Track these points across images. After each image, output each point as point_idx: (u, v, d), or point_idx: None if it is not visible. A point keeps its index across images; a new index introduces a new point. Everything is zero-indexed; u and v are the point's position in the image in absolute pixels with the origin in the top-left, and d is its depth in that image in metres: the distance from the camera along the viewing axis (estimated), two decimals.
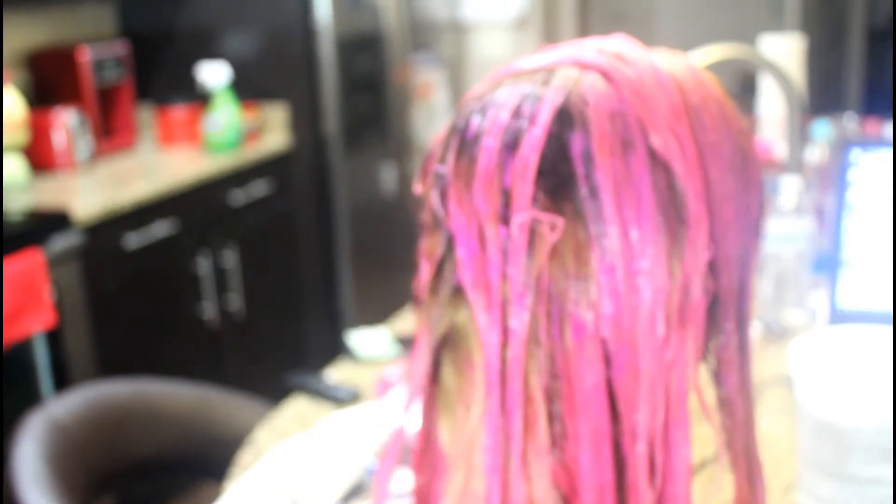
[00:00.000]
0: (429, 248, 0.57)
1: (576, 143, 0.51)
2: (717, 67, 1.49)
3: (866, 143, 1.37)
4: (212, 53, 3.00)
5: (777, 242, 1.42)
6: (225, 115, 2.83)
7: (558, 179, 0.51)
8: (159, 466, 1.52)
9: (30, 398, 2.10)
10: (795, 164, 1.58)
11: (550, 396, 0.52)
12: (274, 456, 1.15)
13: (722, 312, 0.56)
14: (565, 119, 0.52)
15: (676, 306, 0.52)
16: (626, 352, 0.51)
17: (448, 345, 0.56)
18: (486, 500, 0.52)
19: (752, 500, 0.59)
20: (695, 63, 0.58)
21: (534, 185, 0.51)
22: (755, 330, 1.42)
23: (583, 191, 0.51)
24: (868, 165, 1.35)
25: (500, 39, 3.78)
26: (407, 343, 1.47)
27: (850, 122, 2.06)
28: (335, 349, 3.03)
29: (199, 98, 2.91)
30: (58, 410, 1.41)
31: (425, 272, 0.56)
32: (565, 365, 0.52)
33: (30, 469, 1.30)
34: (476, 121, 0.54)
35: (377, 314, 2.82)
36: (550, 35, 3.84)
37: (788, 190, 1.45)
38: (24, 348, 2.13)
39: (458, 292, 0.54)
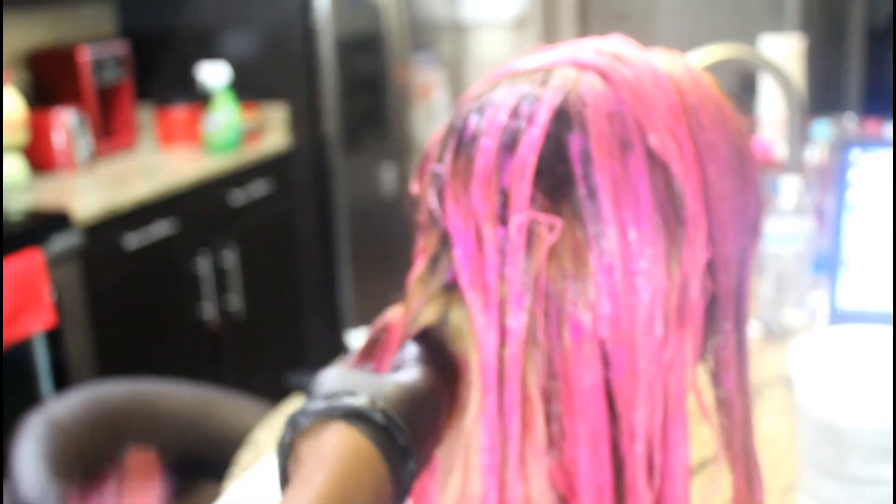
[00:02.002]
0: (425, 248, 0.57)
1: (574, 144, 0.51)
2: (717, 67, 1.49)
3: (866, 143, 1.37)
4: (212, 53, 3.00)
5: (777, 242, 1.42)
6: (225, 115, 2.83)
7: (556, 180, 0.51)
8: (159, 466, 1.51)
9: (30, 398, 2.10)
10: (795, 164, 1.58)
11: (548, 397, 0.52)
12: (274, 456, 1.15)
13: (720, 312, 0.56)
14: (563, 119, 0.52)
15: (675, 306, 0.52)
16: (624, 352, 0.51)
17: (430, 340, 0.56)
18: (482, 500, 0.52)
19: (751, 499, 0.59)
20: (692, 63, 0.58)
21: (532, 185, 0.51)
22: (755, 330, 1.42)
23: (581, 191, 0.51)
24: (868, 165, 1.35)
25: (499, 39, 3.78)
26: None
27: (850, 122, 2.06)
28: (335, 349, 3.03)
29: (199, 98, 2.91)
30: (58, 410, 1.41)
31: (418, 266, 0.57)
32: (563, 365, 0.52)
33: (30, 469, 1.30)
34: (474, 121, 0.54)
35: (377, 314, 2.81)
36: (550, 35, 3.83)
37: (788, 190, 1.45)
38: (24, 348, 2.13)
39: (450, 290, 0.54)
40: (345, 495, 0.47)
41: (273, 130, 3.03)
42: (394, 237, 3.25)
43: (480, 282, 0.52)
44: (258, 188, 2.90)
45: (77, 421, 1.41)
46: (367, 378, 0.52)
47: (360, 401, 0.50)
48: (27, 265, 2.08)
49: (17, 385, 2.13)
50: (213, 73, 2.82)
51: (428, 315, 0.55)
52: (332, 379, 0.52)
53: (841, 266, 1.38)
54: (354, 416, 0.49)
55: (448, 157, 0.55)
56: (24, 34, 2.78)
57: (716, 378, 0.58)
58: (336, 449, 0.48)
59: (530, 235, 0.51)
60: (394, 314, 0.60)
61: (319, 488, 0.46)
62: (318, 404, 0.50)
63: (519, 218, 0.51)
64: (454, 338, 0.55)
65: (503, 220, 0.52)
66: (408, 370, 0.54)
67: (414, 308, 0.56)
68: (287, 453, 0.50)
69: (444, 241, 0.55)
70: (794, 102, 1.57)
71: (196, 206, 2.65)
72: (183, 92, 2.98)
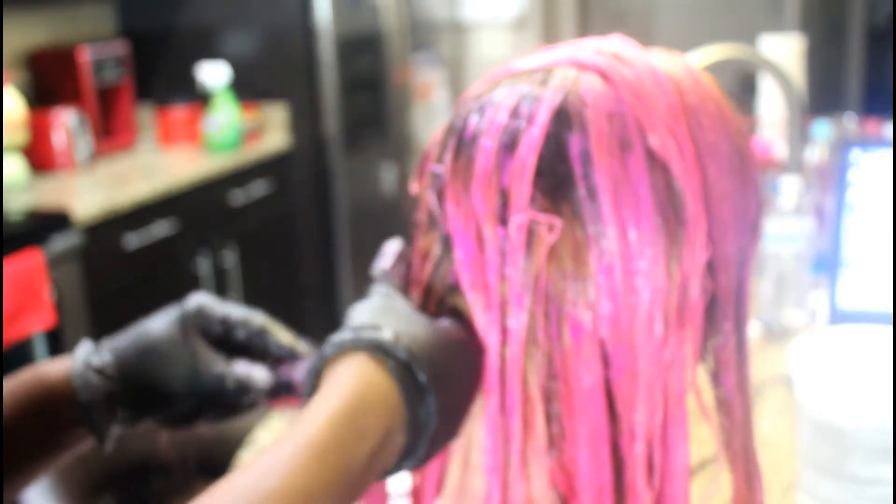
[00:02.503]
0: (424, 248, 0.57)
1: (574, 144, 0.51)
2: (717, 67, 1.49)
3: (866, 143, 1.37)
4: (212, 53, 3.00)
5: (777, 242, 1.42)
6: (225, 115, 2.83)
7: (556, 180, 0.51)
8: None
9: None
10: (795, 164, 1.58)
11: (548, 397, 0.52)
12: None
13: (720, 312, 0.56)
14: (563, 119, 0.52)
15: (674, 306, 0.52)
16: (624, 352, 0.51)
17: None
18: (486, 499, 0.52)
19: (751, 499, 0.59)
20: (692, 63, 0.58)
21: (532, 185, 0.51)
22: (755, 330, 1.42)
23: (581, 191, 0.51)
24: (868, 165, 1.35)
25: (499, 39, 3.78)
26: None
27: (850, 122, 2.05)
28: None
29: (199, 98, 2.91)
30: None
31: (421, 269, 0.57)
32: (563, 365, 0.52)
33: None
34: (474, 121, 0.54)
35: None
36: (550, 35, 3.83)
37: (788, 190, 1.45)
38: (24, 348, 2.13)
39: (453, 291, 0.54)
40: (354, 421, 0.47)
41: (273, 130, 3.03)
42: (394, 237, 3.25)
43: (482, 282, 0.52)
44: (258, 188, 2.90)
45: None
46: (401, 314, 0.52)
47: (383, 335, 0.50)
48: (27, 265, 2.08)
49: None
50: (213, 73, 2.82)
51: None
52: (366, 311, 0.53)
53: (841, 266, 1.38)
54: (376, 349, 0.50)
55: (448, 157, 0.55)
56: (24, 34, 2.78)
57: (716, 378, 0.58)
58: (352, 378, 0.49)
59: (530, 235, 0.51)
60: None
61: (330, 412, 0.47)
62: (345, 335, 0.51)
63: (519, 218, 0.51)
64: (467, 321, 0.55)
65: (503, 220, 0.52)
66: (443, 320, 0.54)
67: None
68: (314, 382, 0.51)
69: (446, 243, 0.55)
70: (794, 102, 1.57)
71: (196, 206, 2.65)
72: (183, 92, 2.98)
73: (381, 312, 0.52)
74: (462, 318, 0.54)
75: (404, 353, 0.50)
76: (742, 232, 0.56)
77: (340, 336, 0.51)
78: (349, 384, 0.48)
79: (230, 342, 0.67)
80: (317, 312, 3.13)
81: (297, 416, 0.48)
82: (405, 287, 0.55)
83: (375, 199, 3.27)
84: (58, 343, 2.20)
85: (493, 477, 0.52)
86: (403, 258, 0.56)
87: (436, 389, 0.50)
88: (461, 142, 0.54)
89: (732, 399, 0.57)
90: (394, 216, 3.32)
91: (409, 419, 0.49)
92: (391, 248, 0.56)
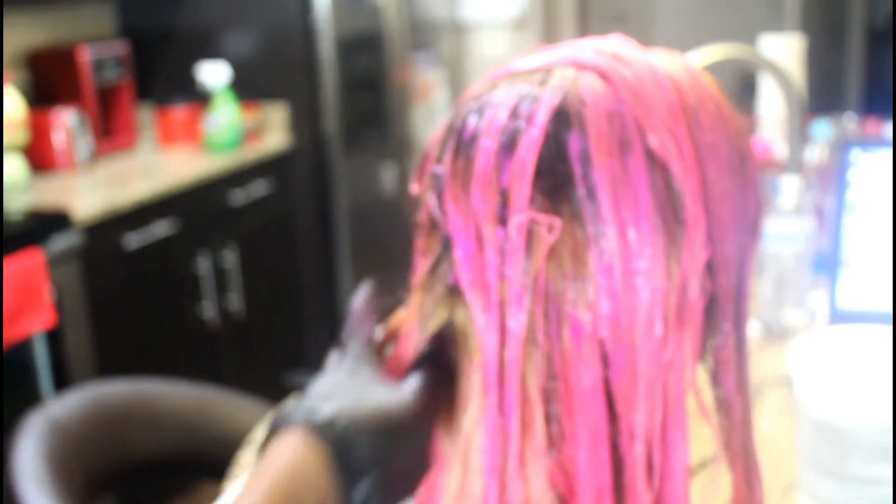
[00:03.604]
0: (425, 248, 0.57)
1: (573, 144, 0.51)
2: (717, 67, 1.49)
3: (866, 143, 1.37)
4: (212, 53, 3.00)
5: (777, 242, 1.42)
6: (225, 115, 2.83)
7: (556, 180, 0.51)
8: (159, 466, 1.51)
9: (30, 398, 2.10)
10: (795, 164, 1.58)
11: (548, 397, 0.52)
12: None
13: (720, 312, 0.56)
14: (562, 119, 0.52)
15: (674, 306, 0.52)
16: (623, 352, 0.51)
17: (440, 344, 0.56)
18: (483, 500, 0.52)
19: (751, 499, 0.59)
20: (692, 63, 0.58)
21: (531, 185, 0.51)
22: (755, 330, 1.42)
23: (580, 191, 0.51)
24: (868, 165, 1.35)
25: (499, 39, 3.78)
26: None
27: (850, 122, 2.05)
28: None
29: (199, 98, 2.91)
30: (58, 410, 1.41)
31: (420, 269, 0.57)
32: (563, 365, 0.52)
33: (30, 469, 1.30)
34: (473, 121, 0.54)
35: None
36: (550, 35, 3.83)
37: (788, 190, 1.45)
38: (24, 348, 2.13)
39: (454, 292, 0.54)
40: (288, 501, 0.48)
41: (273, 130, 3.03)
42: (394, 237, 3.25)
43: (481, 282, 0.52)
44: (258, 188, 2.90)
45: (77, 421, 1.41)
46: (357, 388, 0.53)
47: (322, 413, 0.50)
48: (27, 265, 2.08)
49: (17, 385, 2.13)
50: (213, 73, 2.82)
51: (435, 320, 0.55)
52: (326, 382, 0.53)
53: (841, 266, 1.37)
54: (314, 427, 0.50)
55: (447, 157, 0.55)
56: (24, 34, 2.78)
57: (715, 378, 0.58)
58: (288, 455, 0.49)
59: (530, 235, 0.51)
60: (402, 317, 0.60)
61: (264, 492, 0.48)
62: (289, 409, 0.51)
63: (518, 218, 0.51)
64: (460, 338, 0.55)
65: (503, 220, 0.52)
66: (403, 389, 0.54)
67: (422, 315, 0.56)
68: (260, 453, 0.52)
69: (445, 244, 0.55)
70: (794, 102, 1.57)
71: (196, 206, 2.65)
72: (183, 92, 2.98)
73: (338, 385, 0.53)
74: (450, 341, 0.54)
75: (339, 433, 0.50)
76: (742, 232, 0.56)
77: (286, 409, 0.51)
78: (285, 460, 0.49)
79: None
80: (317, 312, 3.13)
81: (240, 490, 0.49)
82: (378, 337, 0.56)
83: (375, 198, 3.27)
84: (58, 343, 2.20)
85: (491, 478, 0.52)
86: (374, 305, 0.57)
87: (378, 467, 0.50)
88: (460, 142, 0.54)
89: (732, 399, 0.57)
90: (394, 216, 3.32)
91: (343, 498, 0.50)
92: (359, 300, 0.57)
